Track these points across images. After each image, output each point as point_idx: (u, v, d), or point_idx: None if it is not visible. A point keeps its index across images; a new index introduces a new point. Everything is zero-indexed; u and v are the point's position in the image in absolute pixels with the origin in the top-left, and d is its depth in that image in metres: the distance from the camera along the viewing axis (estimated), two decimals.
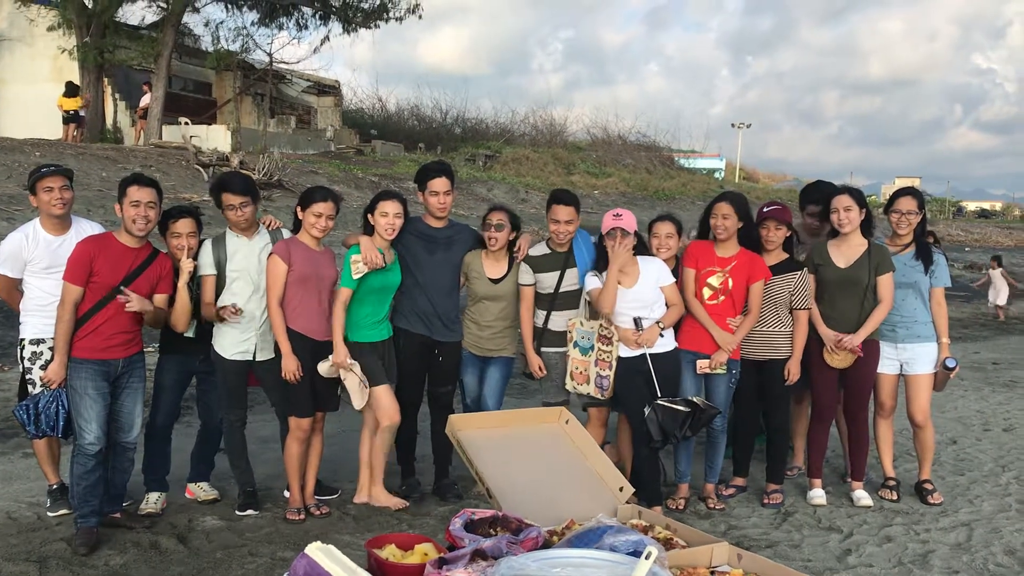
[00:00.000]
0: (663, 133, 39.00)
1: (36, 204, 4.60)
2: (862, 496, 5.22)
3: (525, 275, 5.15)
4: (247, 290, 4.74)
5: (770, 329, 5.10)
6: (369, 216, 4.85)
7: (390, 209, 4.78)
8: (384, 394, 4.83)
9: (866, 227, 5.10)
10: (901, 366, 5.24)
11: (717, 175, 39.61)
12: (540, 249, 5.21)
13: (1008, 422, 7.51)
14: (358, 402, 4.77)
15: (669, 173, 32.62)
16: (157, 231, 4.69)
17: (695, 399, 4.80)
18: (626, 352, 4.87)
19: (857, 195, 5.17)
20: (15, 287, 4.67)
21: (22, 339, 4.61)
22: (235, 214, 4.72)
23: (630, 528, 2.88)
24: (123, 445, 4.49)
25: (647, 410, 4.70)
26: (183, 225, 4.65)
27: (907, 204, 5.18)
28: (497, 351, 5.20)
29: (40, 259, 4.55)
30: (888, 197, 5.46)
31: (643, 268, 4.91)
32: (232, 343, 4.73)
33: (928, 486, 5.34)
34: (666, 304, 4.94)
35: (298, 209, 4.77)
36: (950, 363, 5.19)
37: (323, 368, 4.70)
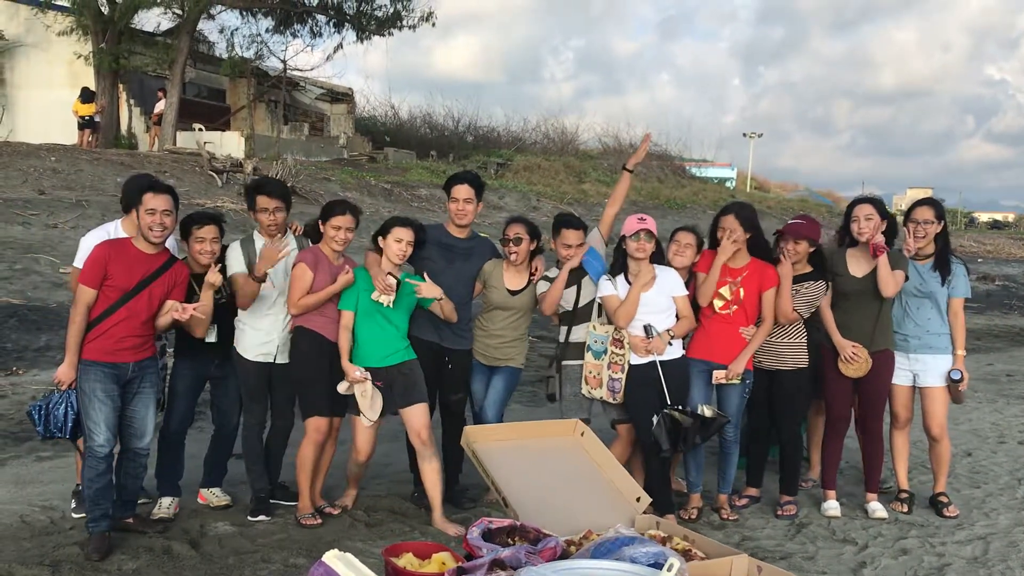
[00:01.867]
0: (674, 142, 38.94)
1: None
2: (877, 508, 5.18)
3: (543, 284, 5.16)
4: (273, 292, 4.77)
5: (778, 339, 5.07)
6: (380, 239, 4.82)
7: (404, 236, 4.75)
8: (361, 426, 4.83)
9: (888, 237, 5.06)
10: (914, 377, 5.21)
11: (728, 184, 39.54)
12: (554, 272, 5.18)
13: (1023, 434, 7.45)
14: (370, 416, 4.76)
15: (680, 182, 32.58)
16: (179, 235, 4.71)
17: (704, 408, 4.79)
18: (636, 359, 4.86)
19: (878, 205, 5.13)
20: None
21: None
22: (268, 217, 4.76)
23: (649, 539, 2.87)
24: (135, 451, 4.48)
25: (655, 419, 4.69)
26: (208, 231, 4.66)
27: (923, 214, 5.15)
28: (504, 360, 5.19)
29: None
30: (906, 207, 5.44)
31: (658, 276, 4.91)
32: (254, 344, 4.75)
33: (943, 499, 5.29)
34: (676, 316, 4.93)
35: (320, 222, 4.79)
36: (955, 375, 5.13)
37: (341, 388, 4.72)
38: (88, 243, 4.66)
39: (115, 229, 4.71)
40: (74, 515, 4.73)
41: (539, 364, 7.84)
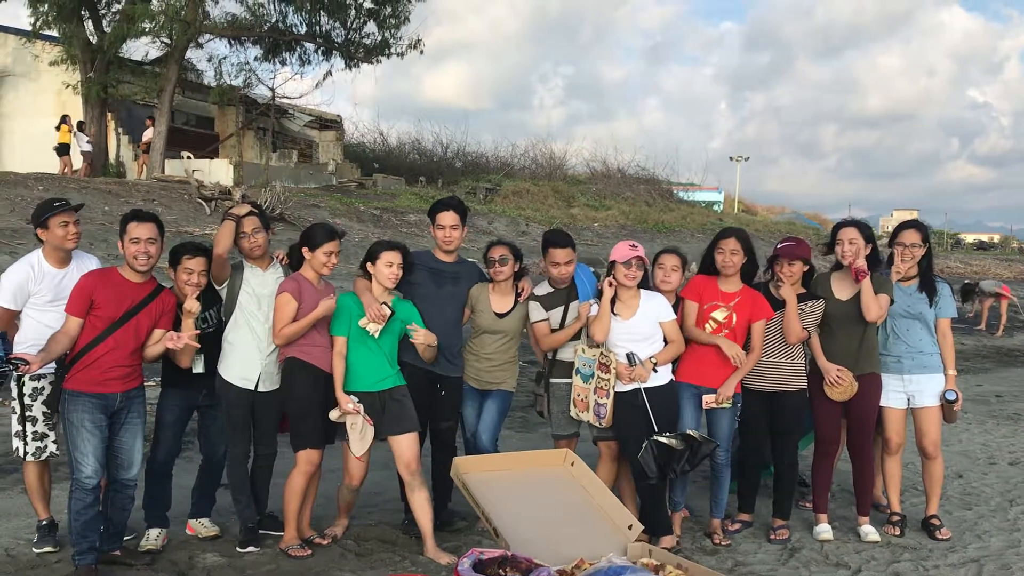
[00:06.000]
0: (662, 166, 39.06)
1: (45, 238, 4.58)
2: (869, 531, 5.16)
3: (536, 311, 5.16)
4: (260, 316, 4.75)
5: (779, 360, 5.08)
6: (369, 265, 4.81)
7: (394, 260, 4.77)
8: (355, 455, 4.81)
9: (873, 261, 5.08)
10: (908, 399, 5.20)
11: (716, 208, 39.72)
12: (544, 288, 5.24)
13: (1014, 456, 7.46)
14: (357, 449, 4.74)
15: (668, 206, 32.72)
16: (168, 264, 4.70)
17: (692, 433, 4.77)
18: (621, 387, 4.85)
19: (864, 229, 5.15)
20: (13, 320, 4.62)
21: (20, 375, 4.57)
22: (248, 241, 4.76)
23: (642, 567, 2.85)
24: (123, 483, 4.44)
25: (644, 445, 4.67)
26: (196, 263, 4.64)
27: (911, 237, 5.19)
28: (496, 384, 5.19)
29: (44, 292, 4.54)
30: (892, 229, 5.47)
31: (643, 302, 4.91)
32: (238, 368, 4.72)
33: (935, 521, 5.27)
34: (664, 340, 4.93)
35: (306, 248, 4.76)
36: (950, 396, 5.14)
37: (333, 416, 4.70)
38: (12, 280, 4.56)
39: (38, 262, 4.60)
40: (35, 551, 4.64)
41: (528, 389, 7.82)
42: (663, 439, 4.67)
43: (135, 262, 4.34)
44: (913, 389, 5.18)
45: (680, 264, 5.14)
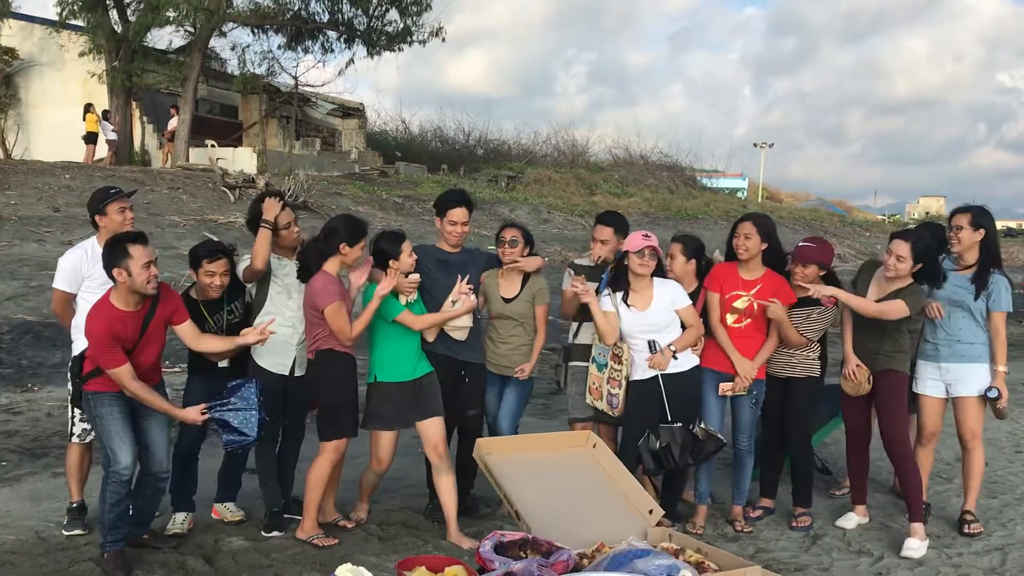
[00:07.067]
0: (685, 153, 38.82)
1: (103, 224, 4.66)
2: (913, 545, 4.75)
3: (567, 278, 5.24)
4: (292, 304, 4.80)
5: (789, 348, 5.05)
6: (392, 262, 4.79)
7: (409, 248, 4.85)
8: (384, 440, 4.86)
9: (930, 275, 4.90)
10: (947, 388, 5.08)
11: (740, 195, 39.42)
12: (588, 260, 5.30)
13: None
14: (461, 334, 4.94)
15: (691, 193, 32.52)
16: (188, 267, 4.78)
17: (696, 429, 4.75)
18: (639, 374, 4.86)
19: (917, 247, 4.85)
20: (70, 303, 4.73)
21: (76, 356, 4.63)
22: (290, 233, 4.83)
23: (661, 551, 2.86)
24: (156, 475, 4.45)
25: (644, 436, 4.69)
26: (218, 266, 4.69)
27: (956, 220, 5.06)
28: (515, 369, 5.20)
29: (97, 275, 4.57)
30: (919, 216, 5.39)
31: (657, 292, 4.88)
32: (273, 356, 4.77)
33: (969, 516, 5.14)
34: (682, 326, 4.92)
35: (343, 245, 4.70)
36: (991, 393, 4.95)
37: (466, 321, 4.91)
38: (66, 263, 4.68)
39: (92, 246, 4.68)
40: (64, 533, 4.72)
41: (548, 376, 7.85)
42: (666, 427, 4.68)
43: (147, 287, 4.17)
44: (950, 378, 5.04)
45: (682, 252, 5.09)
